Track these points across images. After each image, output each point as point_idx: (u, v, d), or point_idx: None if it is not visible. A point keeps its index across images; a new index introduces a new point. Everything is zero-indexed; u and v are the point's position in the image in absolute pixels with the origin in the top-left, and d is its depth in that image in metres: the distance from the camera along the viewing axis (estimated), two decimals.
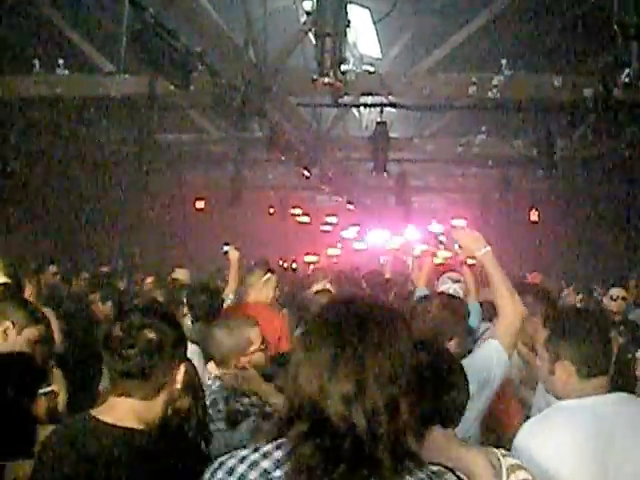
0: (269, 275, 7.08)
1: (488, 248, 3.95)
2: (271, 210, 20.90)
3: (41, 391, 3.59)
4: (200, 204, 17.15)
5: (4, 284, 5.39)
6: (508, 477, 2.49)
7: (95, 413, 2.62)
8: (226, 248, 7.71)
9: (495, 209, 19.04)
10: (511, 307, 3.85)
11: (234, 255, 7.55)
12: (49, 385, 3.74)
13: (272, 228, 22.03)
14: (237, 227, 18.28)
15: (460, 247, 4.16)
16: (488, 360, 3.73)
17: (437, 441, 2.61)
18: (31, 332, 3.99)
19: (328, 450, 1.81)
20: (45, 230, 14.06)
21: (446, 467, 2.31)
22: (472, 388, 3.38)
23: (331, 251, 22.43)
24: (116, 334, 2.64)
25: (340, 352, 1.89)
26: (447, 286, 7.23)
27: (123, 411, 2.59)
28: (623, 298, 8.44)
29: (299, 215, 21.64)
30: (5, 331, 3.92)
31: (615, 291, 8.51)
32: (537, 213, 17.90)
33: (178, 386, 2.73)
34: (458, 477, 2.26)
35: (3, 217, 13.05)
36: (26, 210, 13.74)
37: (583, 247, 18.63)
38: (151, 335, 2.62)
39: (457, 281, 7.25)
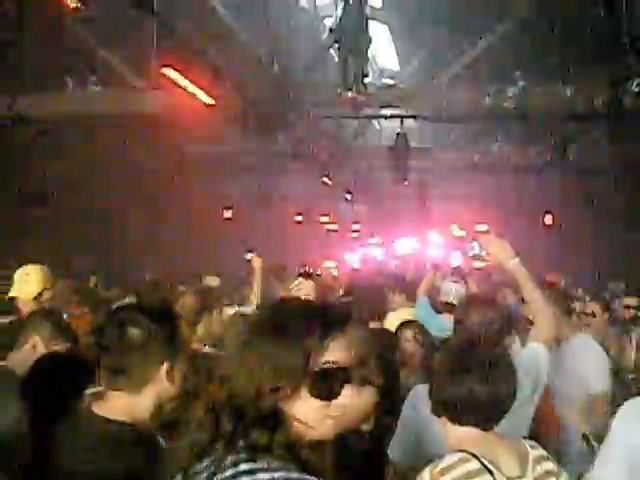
0: (300, 280, 6.51)
1: (517, 259, 3.95)
2: (296, 218, 20.93)
3: (88, 392, 3.38)
4: (228, 213, 17.13)
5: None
6: (534, 467, 2.66)
7: (94, 405, 2.69)
8: (249, 255, 7.57)
9: (510, 214, 19.22)
10: (545, 313, 3.91)
11: (258, 262, 7.34)
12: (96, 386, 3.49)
13: (296, 235, 22.26)
14: (263, 234, 18.52)
15: (488, 255, 4.14)
16: (536, 363, 3.74)
17: (472, 432, 2.77)
18: (58, 347, 3.97)
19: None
20: (78, 242, 14.24)
21: (471, 453, 2.60)
22: (527, 390, 3.60)
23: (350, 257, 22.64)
24: (103, 329, 2.77)
25: None
26: (449, 287, 7.58)
27: (113, 404, 2.66)
28: (636, 307, 8.10)
29: (327, 223, 21.74)
30: (34, 346, 3.93)
31: (629, 300, 8.32)
32: (551, 217, 18.04)
33: (166, 383, 2.72)
34: (483, 464, 2.55)
35: (38, 230, 13.27)
36: (60, 223, 13.94)
37: (596, 251, 18.78)
38: (134, 331, 2.66)
39: (456, 281, 7.60)
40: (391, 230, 24.16)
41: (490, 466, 2.56)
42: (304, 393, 1.89)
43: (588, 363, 4.61)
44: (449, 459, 2.61)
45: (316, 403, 1.89)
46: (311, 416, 1.90)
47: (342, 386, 1.91)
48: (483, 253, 4.20)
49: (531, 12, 9.89)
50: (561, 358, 4.72)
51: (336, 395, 1.90)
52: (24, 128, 11.38)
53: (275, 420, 1.89)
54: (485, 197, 22.34)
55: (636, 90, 7.95)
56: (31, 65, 10.37)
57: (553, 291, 5.03)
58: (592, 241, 19.08)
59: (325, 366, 1.90)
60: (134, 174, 14.89)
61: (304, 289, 6.26)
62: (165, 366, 2.69)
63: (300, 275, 6.94)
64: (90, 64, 11.02)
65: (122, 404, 2.66)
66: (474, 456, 2.59)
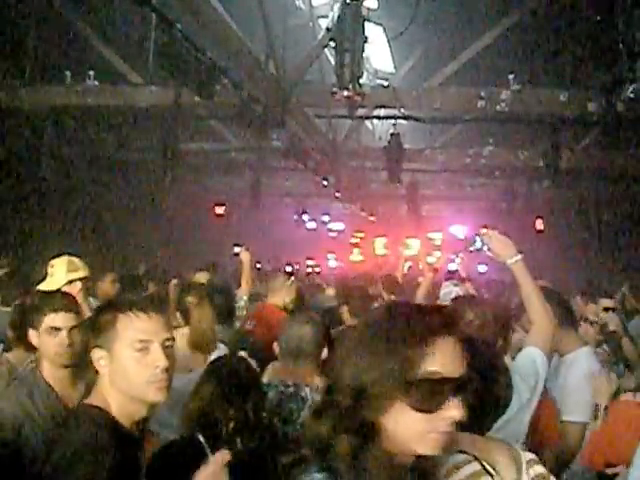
0: (292, 279, 7.21)
1: (519, 257, 3.91)
2: (287, 216, 21.07)
3: None
4: (220, 209, 17.18)
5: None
6: (527, 470, 2.62)
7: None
8: (237, 249, 7.68)
9: (502, 218, 19.31)
10: (543, 315, 3.83)
11: (246, 256, 7.53)
12: None
13: (287, 233, 22.35)
14: (254, 231, 18.60)
15: (490, 251, 4.08)
16: (534, 367, 3.67)
17: (470, 435, 2.73)
18: (60, 323, 3.94)
19: None
20: (73, 234, 14.24)
21: (474, 456, 2.55)
22: (525, 395, 3.57)
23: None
24: None
25: None
26: (449, 289, 7.66)
27: (94, 391, 2.75)
28: (612, 309, 7.71)
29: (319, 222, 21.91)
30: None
31: (604, 302, 7.94)
32: (542, 222, 18.11)
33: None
34: (483, 466, 2.50)
35: (34, 221, 13.31)
36: (55, 214, 13.96)
37: (587, 256, 18.86)
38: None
39: (456, 285, 7.68)
40: (383, 231, 24.36)
41: (489, 468, 2.55)
42: (402, 405, 1.80)
43: (570, 388, 4.57)
44: (453, 460, 2.55)
45: (417, 416, 1.80)
46: (411, 430, 1.81)
47: (448, 398, 1.78)
48: (485, 248, 4.12)
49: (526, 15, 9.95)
50: (557, 371, 4.70)
51: (437, 408, 1.79)
52: (20, 121, 11.42)
53: (366, 432, 1.81)
54: (476, 200, 22.48)
55: (630, 96, 7.98)
56: (30, 58, 10.41)
57: (557, 301, 4.71)
58: (583, 247, 19.18)
59: (426, 376, 1.78)
60: (127, 167, 14.95)
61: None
62: (95, 354, 2.71)
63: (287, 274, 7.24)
64: (89, 59, 11.05)
65: (96, 390, 2.73)
66: (475, 458, 2.56)
